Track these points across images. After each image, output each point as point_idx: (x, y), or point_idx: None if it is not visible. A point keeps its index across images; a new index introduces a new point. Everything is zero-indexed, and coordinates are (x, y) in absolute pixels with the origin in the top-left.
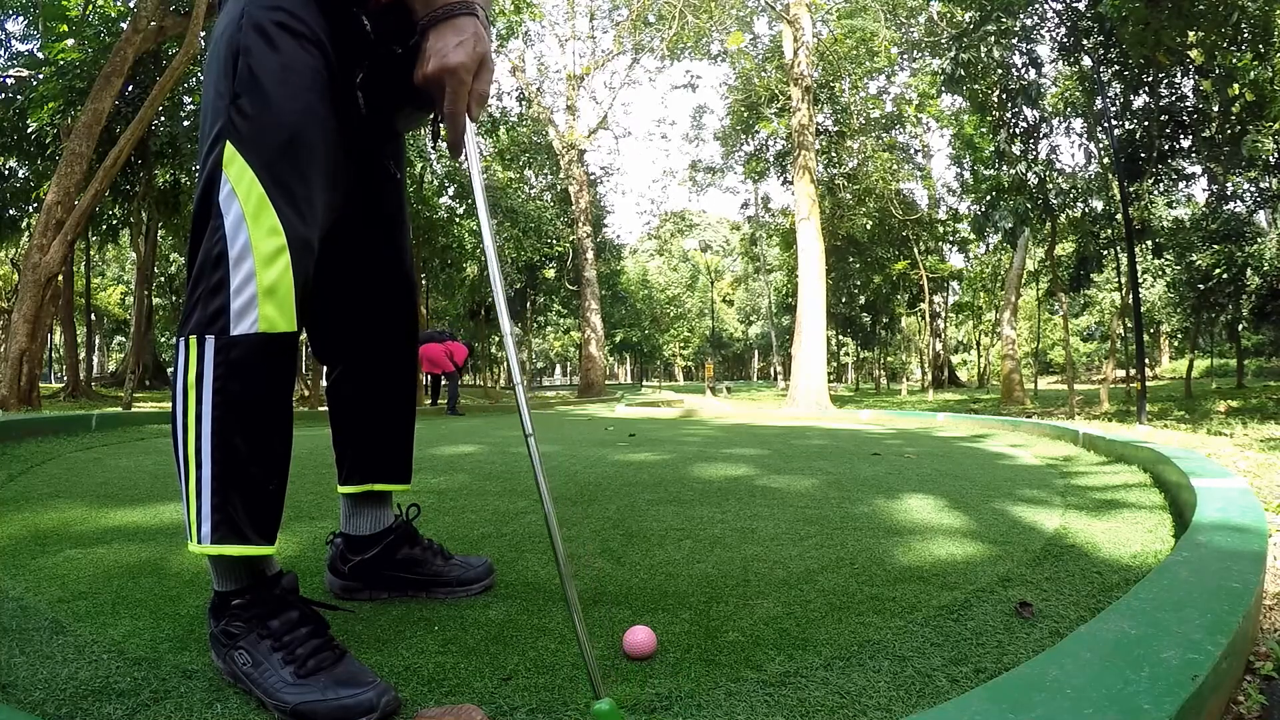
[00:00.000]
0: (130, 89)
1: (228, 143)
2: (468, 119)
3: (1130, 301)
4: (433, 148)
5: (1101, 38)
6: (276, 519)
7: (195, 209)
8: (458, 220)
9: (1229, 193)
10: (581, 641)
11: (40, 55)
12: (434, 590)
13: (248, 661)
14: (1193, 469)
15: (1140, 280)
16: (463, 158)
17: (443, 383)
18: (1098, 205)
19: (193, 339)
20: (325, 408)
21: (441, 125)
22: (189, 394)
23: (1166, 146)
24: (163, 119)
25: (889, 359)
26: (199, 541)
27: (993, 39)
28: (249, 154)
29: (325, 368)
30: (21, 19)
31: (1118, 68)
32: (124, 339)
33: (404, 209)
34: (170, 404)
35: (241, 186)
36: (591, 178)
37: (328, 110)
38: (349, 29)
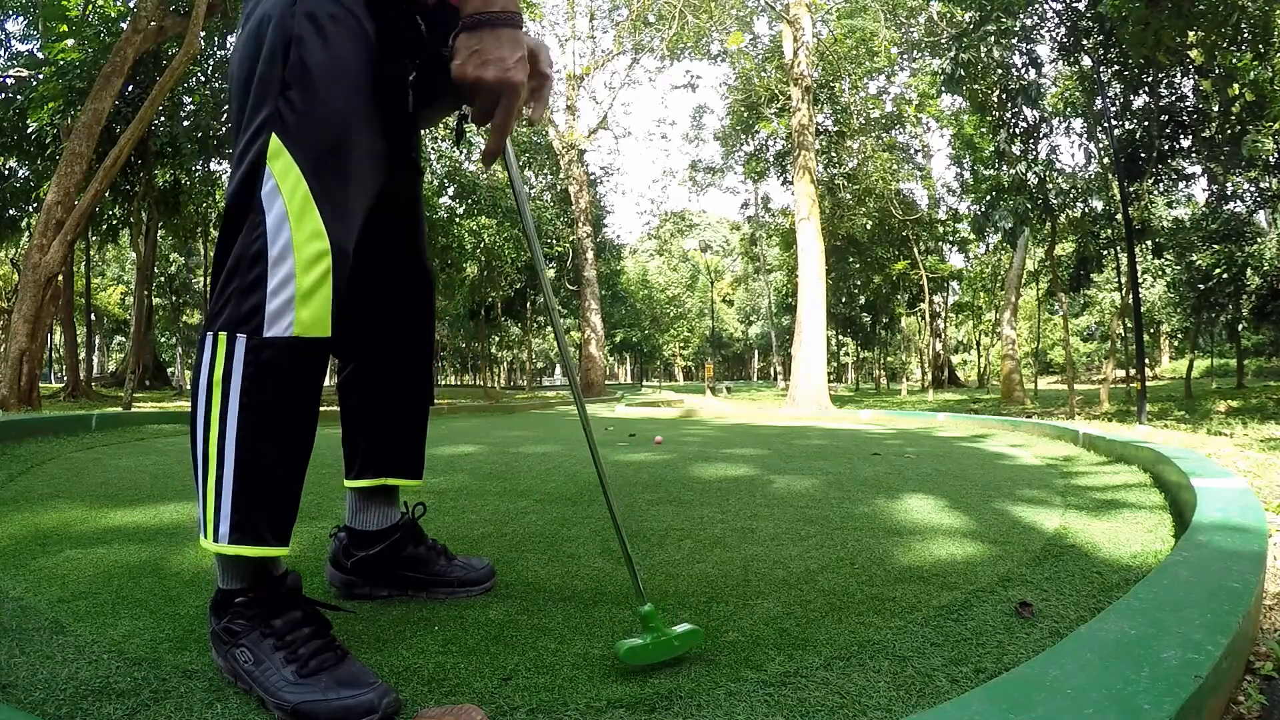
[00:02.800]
0: (130, 89)
1: (274, 134)
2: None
3: (1130, 301)
4: (457, 146)
5: (1101, 38)
6: (292, 521)
7: (232, 198)
8: (458, 220)
9: (1229, 193)
10: (627, 553)
11: (40, 55)
12: (435, 590)
13: (249, 660)
14: (1193, 469)
15: (1140, 280)
16: (496, 168)
17: None
18: (1098, 205)
19: (222, 335)
20: (331, 405)
21: (468, 125)
22: (213, 391)
23: (1166, 146)
24: (163, 119)
25: (889, 359)
26: (215, 540)
27: (993, 39)
28: (296, 149)
29: (338, 362)
30: (21, 19)
31: (1118, 68)
32: (124, 339)
33: (421, 202)
34: (191, 398)
35: (286, 184)
36: (591, 178)
37: (373, 110)
38: (399, 26)
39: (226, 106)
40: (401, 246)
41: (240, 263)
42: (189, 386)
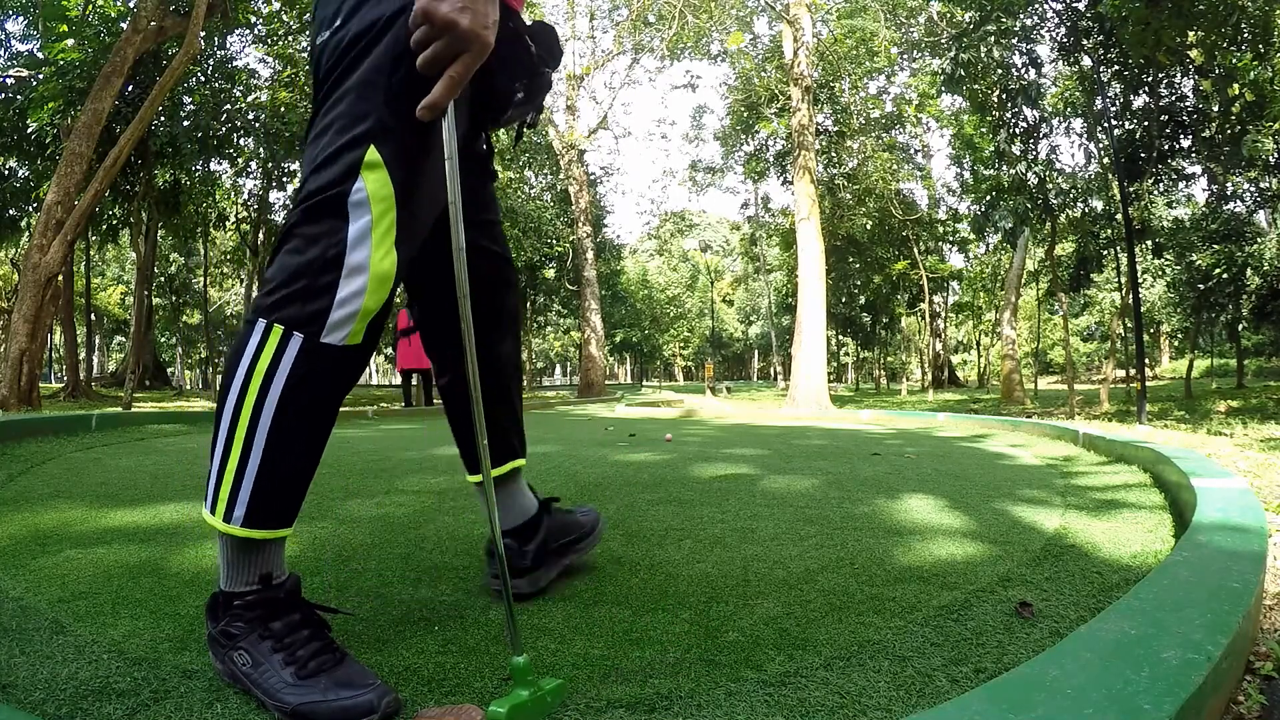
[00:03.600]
0: (130, 89)
1: (373, 146)
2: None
3: (1130, 301)
4: (515, 145)
5: (1101, 38)
6: (300, 506)
7: (316, 191)
8: None
9: (1229, 193)
10: (509, 602)
11: (40, 55)
12: (576, 547)
13: (247, 662)
14: (1193, 469)
15: (1140, 280)
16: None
17: (414, 382)
18: (1098, 205)
19: (278, 328)
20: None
21: (528, 128)
22: (253, 379)
23: (1166, 146)
24: (163, 119)
25: (889, 359)
26: (228, 521)
27: (993, 39)
28: (394, 167)
29: (435, 373)
30: (21, 19)
31: (1118, 68)
32: (124, 339)
33: (496, 202)
34: (224, 374)
35: (378, 201)
36: (591, 178)
37: (467, 128)
38: (509, 46)
39: (227, 107)
40: (485, 248)
41: (313, 263)
42: (223, 363)
